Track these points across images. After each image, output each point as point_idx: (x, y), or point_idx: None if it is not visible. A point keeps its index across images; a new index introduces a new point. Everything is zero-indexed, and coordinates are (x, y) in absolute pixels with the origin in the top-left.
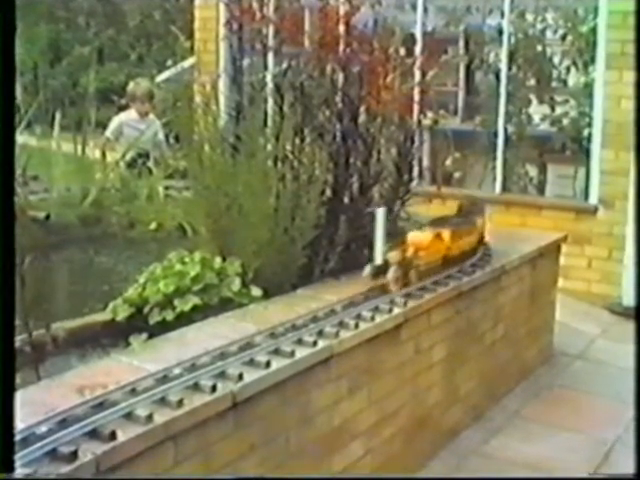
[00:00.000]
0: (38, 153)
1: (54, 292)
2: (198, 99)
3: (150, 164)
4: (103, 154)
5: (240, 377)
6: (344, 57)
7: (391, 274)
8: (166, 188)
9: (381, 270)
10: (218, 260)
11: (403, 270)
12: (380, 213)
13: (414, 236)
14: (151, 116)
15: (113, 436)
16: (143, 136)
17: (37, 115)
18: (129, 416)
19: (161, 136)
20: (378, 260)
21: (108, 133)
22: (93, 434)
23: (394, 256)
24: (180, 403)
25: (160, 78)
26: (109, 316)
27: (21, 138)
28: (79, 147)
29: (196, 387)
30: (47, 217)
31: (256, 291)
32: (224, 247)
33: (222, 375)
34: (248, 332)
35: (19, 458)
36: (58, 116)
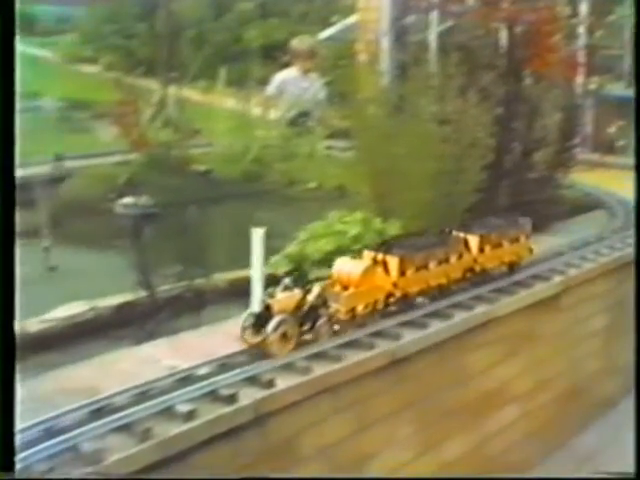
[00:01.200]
0: (201, 107)
1: (215, 243)
2: (361, 57)
3: (311, 123)
4: (265, 111)
5: (399, 336)
6: (510, 15)
7: (271, 328)
8: (327, 147)
9: (262, 321)
10: (378, 221)
11: (309, 319)
12: (258, 234)
13: (340, 265)
14: (313, 74)
15: (272, 384)
16: (305, 94)
17: (201, 69)
18: (289, 367)
19: (323, 95)
20: (255, 307)
21: (270, 90)
22: (253, 380)
23: (280, 301)
24: (339, 357)
25: (323, 35)
26: (268, 270)
27: (185, 92)
28: (241, 103)
29: (355, 344)
30: (207, 171)
31: None
32: (385, 208)
33: (381, 334)
34: None
35: (180, 395)
36: (222, 71)
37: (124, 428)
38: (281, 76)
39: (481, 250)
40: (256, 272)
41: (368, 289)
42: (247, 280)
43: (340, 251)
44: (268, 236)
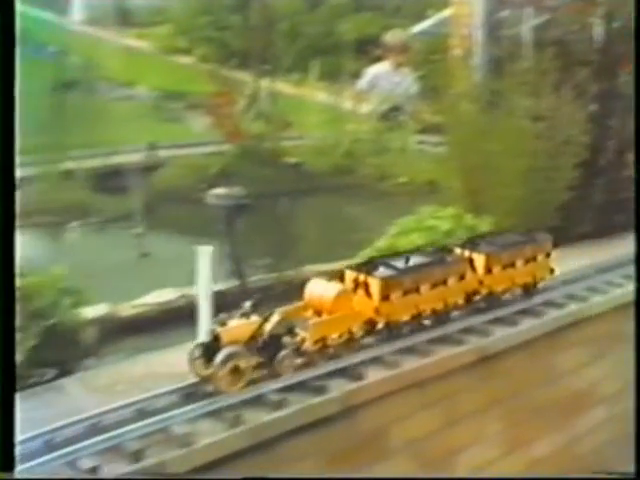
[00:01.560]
0: (293, 100)
1: (305, 235)
2: (454, 52)
3: (403, 117)
4: (356, 105)
5: (488, 333)
6: (606, 9)
7: (219, 362)
8: (419, 142)
9: (211, 353)
10: (470, 217)
11: (269, 350)
12: (204, 253)
13: (311, 287)
14: (405, 68)
15: (361, 376)
16: (397, 88)
17: (294, 62)
18: (377, 360)
19: (415, 89)
20: (202, 335)
21: (362, 84)
22: (342, 372)
23: (231, 330)
24: (428, 352)
25: (416, 29)
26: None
27: (278, 85)
28: (333, 96)
29: (444, 339)
30: (299, 164)
31: None
32: (476, 204)
33: (470, 330)
34: None
35: (269, 384)
36: (314, 65)
37: (214, 414)
38: (373, 70)
39: (488, 271)
40: (203, 297)
41: (343, 316)
42: (337, 272)
43: (432, 246)
44: (357, 230)
